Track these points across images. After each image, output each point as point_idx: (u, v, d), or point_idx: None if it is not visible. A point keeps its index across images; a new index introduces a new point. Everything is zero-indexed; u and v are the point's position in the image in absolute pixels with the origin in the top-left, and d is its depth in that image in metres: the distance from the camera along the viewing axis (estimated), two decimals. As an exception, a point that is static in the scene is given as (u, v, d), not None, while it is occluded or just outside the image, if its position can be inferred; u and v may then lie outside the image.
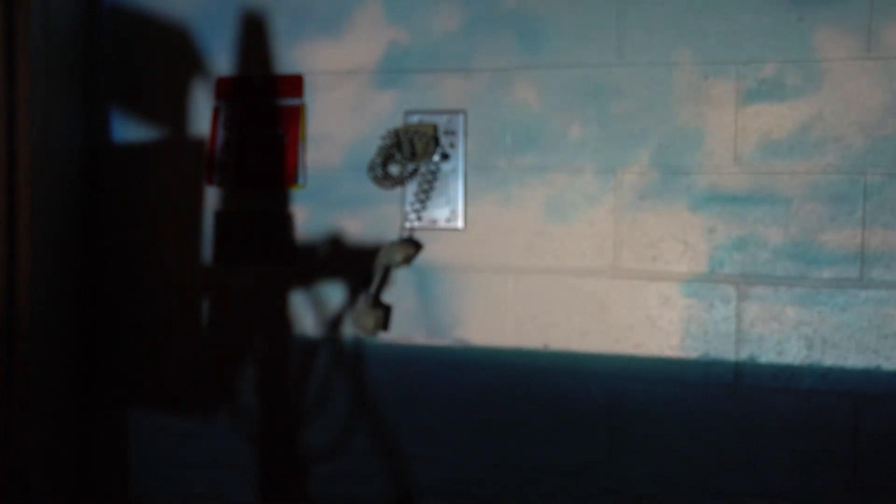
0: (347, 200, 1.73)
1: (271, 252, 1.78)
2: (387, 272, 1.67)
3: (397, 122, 1.69)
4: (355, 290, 1.72)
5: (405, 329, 1.70)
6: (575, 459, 1.62)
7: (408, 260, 1.66)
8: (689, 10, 1.53)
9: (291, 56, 1.76)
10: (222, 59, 1.80)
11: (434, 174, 1.65)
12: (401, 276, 1.70)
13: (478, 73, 1.65)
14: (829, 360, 1.49)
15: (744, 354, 1.53)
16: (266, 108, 1.78)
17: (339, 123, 1.73)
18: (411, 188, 1.68)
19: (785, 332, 1.51)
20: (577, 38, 1.59)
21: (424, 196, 1.66)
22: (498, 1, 1.63)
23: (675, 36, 1.54)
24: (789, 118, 1.49)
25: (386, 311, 1.68)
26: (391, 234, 1.70)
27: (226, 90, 1.81)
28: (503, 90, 1.63)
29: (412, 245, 1.67)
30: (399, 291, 1.70)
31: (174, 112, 1.83)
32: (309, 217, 1.75)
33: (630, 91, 1.57)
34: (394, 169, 1.65)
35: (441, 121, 1.66)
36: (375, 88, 1.71)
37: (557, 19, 1.60)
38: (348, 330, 1.74)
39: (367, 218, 1.72)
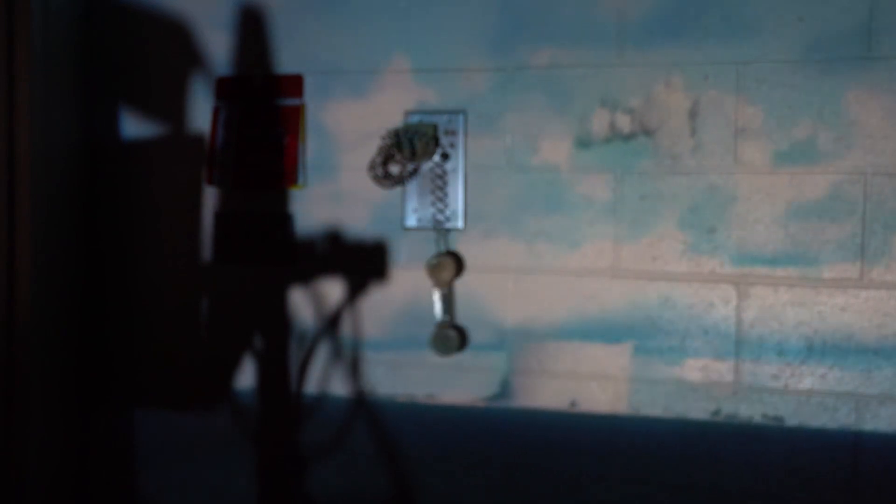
0: None
1: (271, 252, 1.78)
2: (447, 293, 1.65)
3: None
4: (354, 289, 1.72)
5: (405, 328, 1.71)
6: (572, 462, 1.62)
7: (453, 274, 1.64)
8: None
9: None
10: (222, 59, 1.80)
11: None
12: (400, 277, 1.70)
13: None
14: (829, 360, 1.49)
15: (744, 354, 1.53)
16: (266, 108, 1.78)
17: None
18: (412, 188, 1.68)
19: (785, 332, 1.51)
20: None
21: (442, 194, 1.65)
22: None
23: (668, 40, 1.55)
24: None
25: (459, 332, 1.65)
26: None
27: (226, 90, 1.81)
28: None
29: (452, 258, 1.64)
30: (398, 291, 1.71)
31: (174, 111, 1.83)
32: None
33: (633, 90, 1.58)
34: (394, 168, 1.65)
35: (441, 120, 1.66)
36: None
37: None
38: (347, 329, 1.74)
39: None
